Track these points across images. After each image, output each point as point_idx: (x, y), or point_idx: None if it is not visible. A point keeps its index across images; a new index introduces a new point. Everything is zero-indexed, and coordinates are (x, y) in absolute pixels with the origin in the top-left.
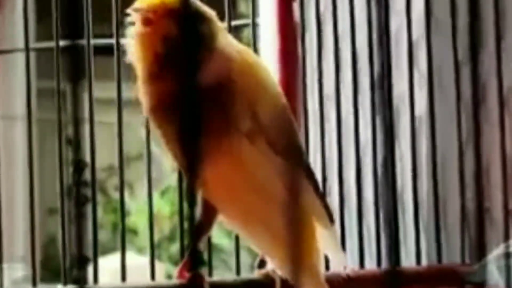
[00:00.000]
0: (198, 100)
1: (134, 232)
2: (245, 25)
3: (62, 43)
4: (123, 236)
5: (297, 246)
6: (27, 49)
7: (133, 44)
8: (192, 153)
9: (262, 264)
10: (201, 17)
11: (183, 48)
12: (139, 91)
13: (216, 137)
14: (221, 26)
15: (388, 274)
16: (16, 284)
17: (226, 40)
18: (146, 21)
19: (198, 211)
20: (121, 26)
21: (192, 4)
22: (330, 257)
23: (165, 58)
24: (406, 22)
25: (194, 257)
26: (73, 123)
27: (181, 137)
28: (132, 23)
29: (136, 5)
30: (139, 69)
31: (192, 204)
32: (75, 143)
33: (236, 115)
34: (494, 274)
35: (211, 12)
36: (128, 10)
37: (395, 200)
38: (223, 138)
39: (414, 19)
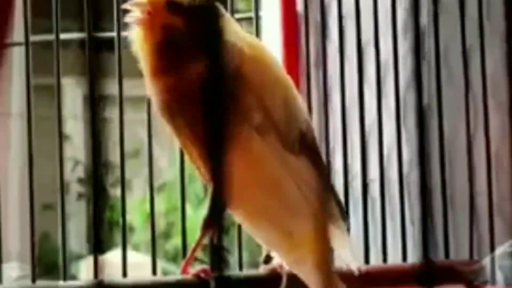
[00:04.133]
0: (222, 91)
1: (130, 229)
2: (246, 19)
3: (62, 36)
4: (124, 234)
5: (321, 249)
6: (27, 43)
7: (136, 39)
8: (217, 156)
9: (267, 259)
10: (203, 8)
11: (189, 39)
12: (147, 87)
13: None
14: (228, 17)
15: (419, 270)
16: (13, 282)
17: (234, 31)
18: (145, 16)
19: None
20: (122, 20)
21: None
22: (341, 253)
23: (166, 50)
24: (413, 6)
25: (218, 254)
26: (91, 119)
27: (196, 137)
28: (133, 19)
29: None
30: (144, 64)
31: (214, 203)
32: (93, 138)
33: (246, 108)
34: (497, 273)
35: (215, 2)
36: (127, 6)
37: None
38: (233, 131)
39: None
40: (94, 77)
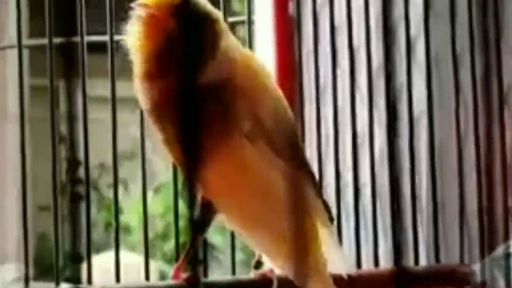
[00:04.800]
0: (197, 100)
1: (127, 229)
2: (240, 22)
3: (56, 40)
4: (117, 237)
5: (302, 247)
6: (19, 46)
7: (134, 39)
8: (191, 153)
9: (258, 264)
10: (205, 17)
11: (183, 46)
12: (137, 88)
13: (218, 137)
14: (226, 27)
15: (397, 274)
16: (9, 285)
17: (229, 42)
18: (150, 17)
19: (197, 210)
20: (118, 22)
21: (197, 3)
22: (329, 256)
23: (165, 55)
24: (404, 13)
25: (192, 258)
26: (67, 120)
27: (180, 136)
28: (135, 18)
29: (142, 0)
30: (139, 66)
31: (190, 204)
32: (70, 141)
33: (237, 116)
34: (495, 274)
35: (216, 13)
36: (133, 4)
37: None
38: (224, 138)
39: (412, 10)
40: (69, 80)
